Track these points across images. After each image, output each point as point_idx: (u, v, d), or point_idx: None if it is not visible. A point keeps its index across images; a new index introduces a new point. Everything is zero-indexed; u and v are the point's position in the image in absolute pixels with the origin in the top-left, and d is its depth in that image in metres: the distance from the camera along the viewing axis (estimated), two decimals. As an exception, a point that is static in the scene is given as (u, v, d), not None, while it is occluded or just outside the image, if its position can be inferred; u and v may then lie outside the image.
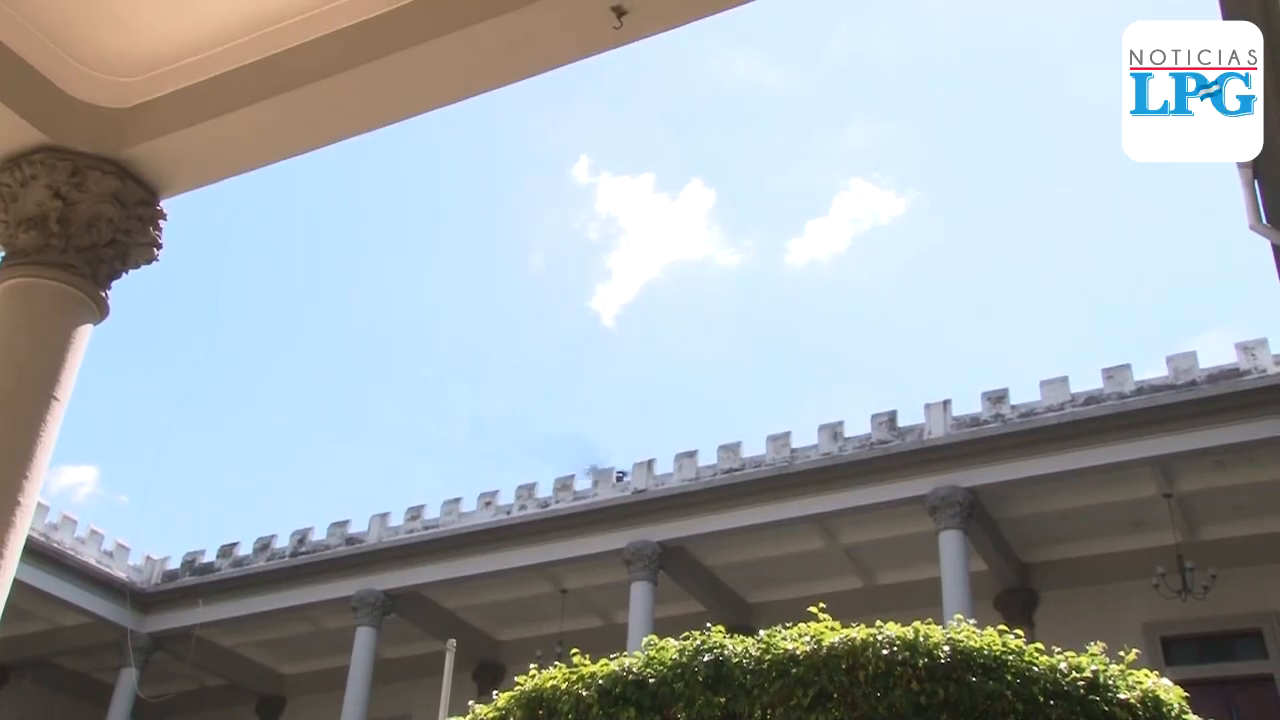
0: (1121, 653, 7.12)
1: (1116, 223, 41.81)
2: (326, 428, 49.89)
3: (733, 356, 48.27)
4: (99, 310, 4.42)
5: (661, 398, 48.15)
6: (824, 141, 45.04)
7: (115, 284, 4.59)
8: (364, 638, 20.65)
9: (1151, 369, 16.59)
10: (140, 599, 22.49)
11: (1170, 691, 6.89)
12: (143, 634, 22.37)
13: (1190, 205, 40.52)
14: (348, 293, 48.99)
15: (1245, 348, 15.96)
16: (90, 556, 21.96)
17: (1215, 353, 16.35)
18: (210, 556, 23.25)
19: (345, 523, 22.24)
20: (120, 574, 22.43)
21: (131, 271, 4.67)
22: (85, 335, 4.33)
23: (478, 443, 49.08)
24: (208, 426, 48.78)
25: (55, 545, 21.10)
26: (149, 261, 4.69)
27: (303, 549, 22.25)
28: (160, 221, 4.68)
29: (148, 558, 23.40)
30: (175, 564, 23.44)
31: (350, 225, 49.25)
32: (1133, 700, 6.63)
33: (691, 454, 19.85)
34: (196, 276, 46.92)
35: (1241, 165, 11.34)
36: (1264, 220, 11.71)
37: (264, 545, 22.77)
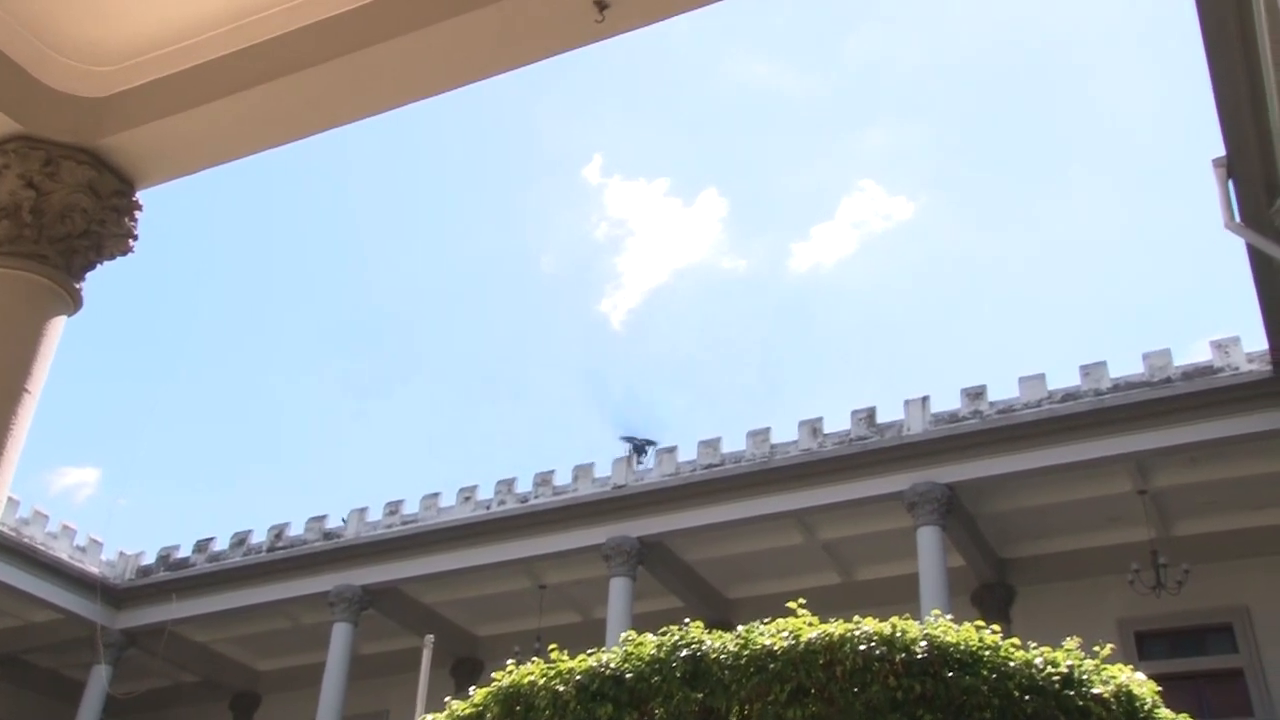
0: (1096, 648, 7.18)
1: (1114, 227, 42.35)
2: (318, 424, 49.73)
3: (737, 361, 48.52)
4: (73, 302, 4.38)
5: (667, 404, 48.32)
6: (837, 147, 45.29)
7: (102, 276, 4.56)
8: (341, 633, 20.55)
9: (1128, 366, 16.72)
10: (113, 595, 22.29)
11: (1143, 686, 6.97)
12: (115, 630, 22.18)
13: (1190, 207, 41.02)
14: (349, 286, 48.84)
15: (1219, 345, 16.10)
16: (62, 552, 21.75)
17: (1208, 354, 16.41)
18: (185, 552, 23.08)
19: (323, 517, 22.12)
20: (93, 569, 22.23)
21: (107, 263, 4.62)
22: (58, 327, 4.29)
23: (479, 443, 49.06)
24: (189, 420, 48.53)
25: (26, 540, 20.89)
26: (124, 253, 4.65)
27: (280, 544, 22.11)
28: (136, 213, 4.63)
29: (121, 553, 23.19)
30: (150, 559, 23.25)
31: (356, 218, 49.10)
32: (1106, 695, 6.69)
33: (671, 449, 19.86)
34: (200, 267, 46.76)
35: (1216, 164, 11.45)
36: (1237, 219, 11.84)
37: (240, 540, 22.61)
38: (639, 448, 20.38)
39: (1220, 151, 11.47)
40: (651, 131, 47.31)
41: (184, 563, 22.85)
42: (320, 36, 4.18)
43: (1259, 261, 12.56)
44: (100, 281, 4.65)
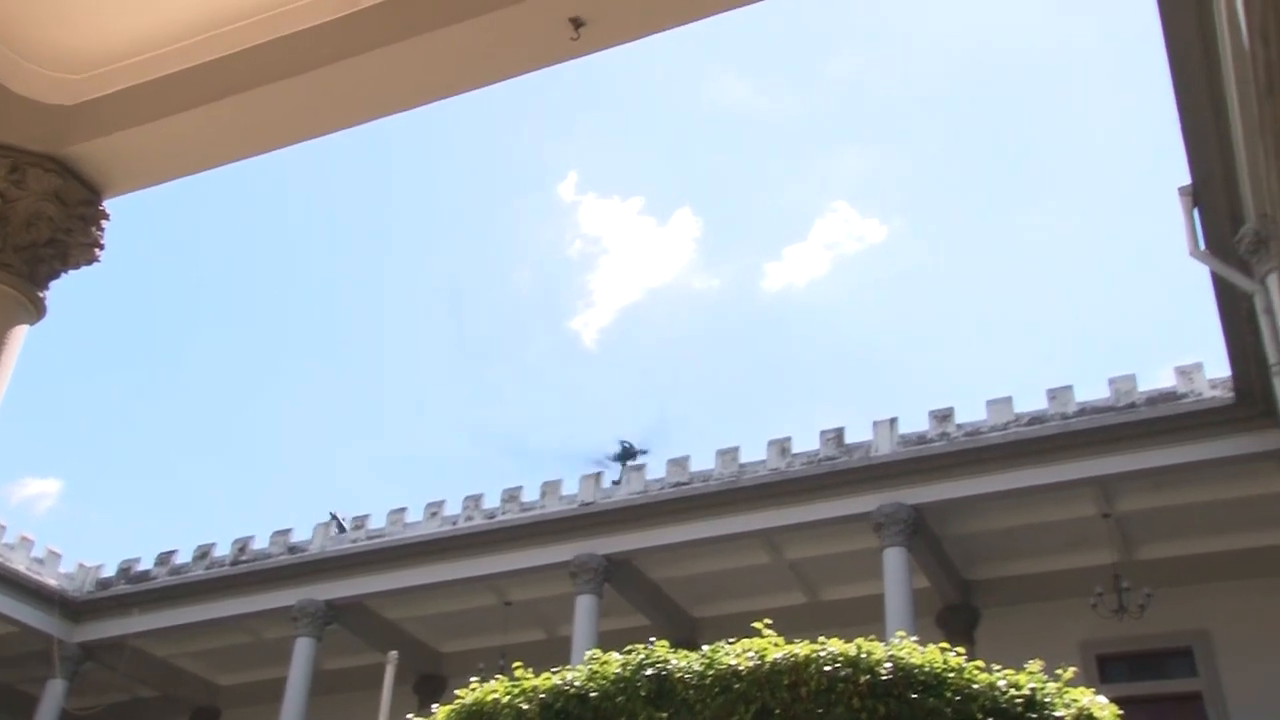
0: (1059, 671, 7.22)
1: (1084, 251, 42.93)
2: (289, 435, 49.32)
3: (708, 380, 48.67)
4: (36, 310, 4.33)
5: (637, 423, 48.37)
6: (811, 169, 45.65)
7: (66, 284, 4.50)
8: (303, 648, 20.32)
9: (1094, 390, 16.89)
10: (71, 607, 21.93)
11: (1104, 709, 7.01)
12: (72, 644, 21.81)
13: (1159, 233, 41.66)
14: (321, 297, 48.57)
15: (1183, 371, 16.29)
16: (19, 563, 21.37)
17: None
18: (147, 564, 22.76)
19: (288, 531, 21.91)
20: (51, 582, 21.85)
21: (72, 272, 4.57)
22: (20, 336, 4.24)
23: (447, 458, 48.83)
24: (156, 431, 48.03)
25: (-18, 552, 20.55)
26: (90, 262, 4.60)
27: (244, 557, 21.86)
28: (103, 222, 4.59)
29: (80, 565, 22.83)
30: (110, 572, 22.91)
31: (329, 229, 48.88)
32: (1068, 718, 6.73)
33: (639, 467, 19.85)
34: (167, 275, 46.32)
35: (1183, 193, 11.64)
36: (1202, 247, 12.03)
37: (203, 553, 22.33)
38: (628, 453, 20.51)
39: (1186, 180, 11.66)
40: (627, 150, 47.54)
41: (145, 575, 22.53)
42: (294, 49, 4.16)
43: (1222, 289, 12.75)
44: (65, 289, 4.60)
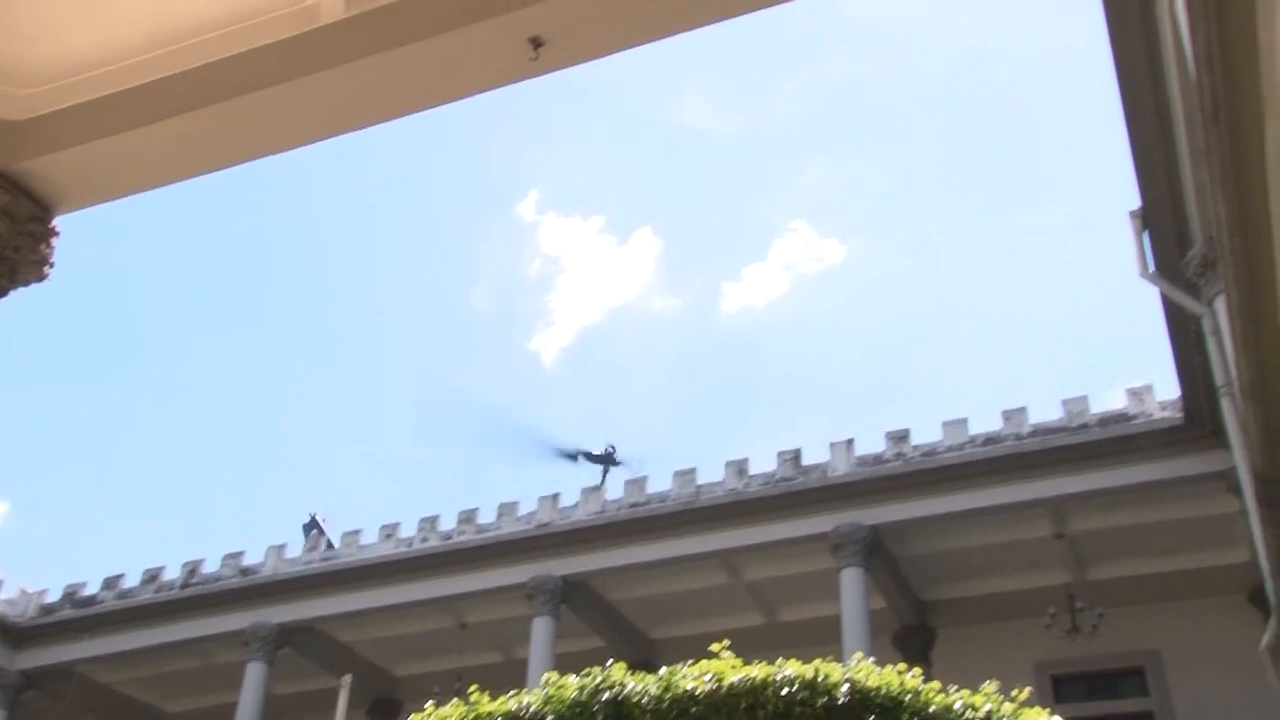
0: (1014, 691, 7.25)
1: (1041, 271, 43.54)
2: (239, 455, 48.59)
3: (667, 401, 48.71)
4: (-18, 328, 4.23)
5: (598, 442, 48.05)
6: (769, 189, 45.94)
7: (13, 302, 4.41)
8: (254, 673, 19.96)
9: (1048, 411, 17.08)
10: (13, 634, 21.39)
11: (1060, 729, 7.05)
12: (14, 671, 21.26)
13: (1113, 255, 42.31)
14: (275, 316, 48.05)
15: (1134, 393, 16.55)
16: (-43, 589, 20.87)
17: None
18: (93, 589, 22.28)
19: (239, 554, 21.56)
20: (-9, 607, 21.34)
21: (20, 289, 4.48)
22: (-35, 354, 4.14)
23: (429, 458, 48.39)
24: (108, 451, 47.14)
25: (-81, 576, 20.01)
26: (39, 279, 4.51)
27: (194, 580, 21.47)
28: (53, 239, 4.50)
29: (23, 590, 22.28)
30: (55, 597, 22.39)
31: (283, 248, 48.45)
32: (1024, 738, 6.76)
33: (596, 488, 19.79)
34: (114, 294, 45.53)
35: (1133, 216, 11.85)
36: (1152, 269, 12.25)
37: (152, 577, 21.90)
38: (610, 458, 20.59)
39: (1137, 204, 11.88)
40: (588, 169, 47.64)
41: (91, 600, 22.04)
42: (251, 66, 4.12)
43: (1172, 311, 12.99)
44: (12, 305, 4.51)
